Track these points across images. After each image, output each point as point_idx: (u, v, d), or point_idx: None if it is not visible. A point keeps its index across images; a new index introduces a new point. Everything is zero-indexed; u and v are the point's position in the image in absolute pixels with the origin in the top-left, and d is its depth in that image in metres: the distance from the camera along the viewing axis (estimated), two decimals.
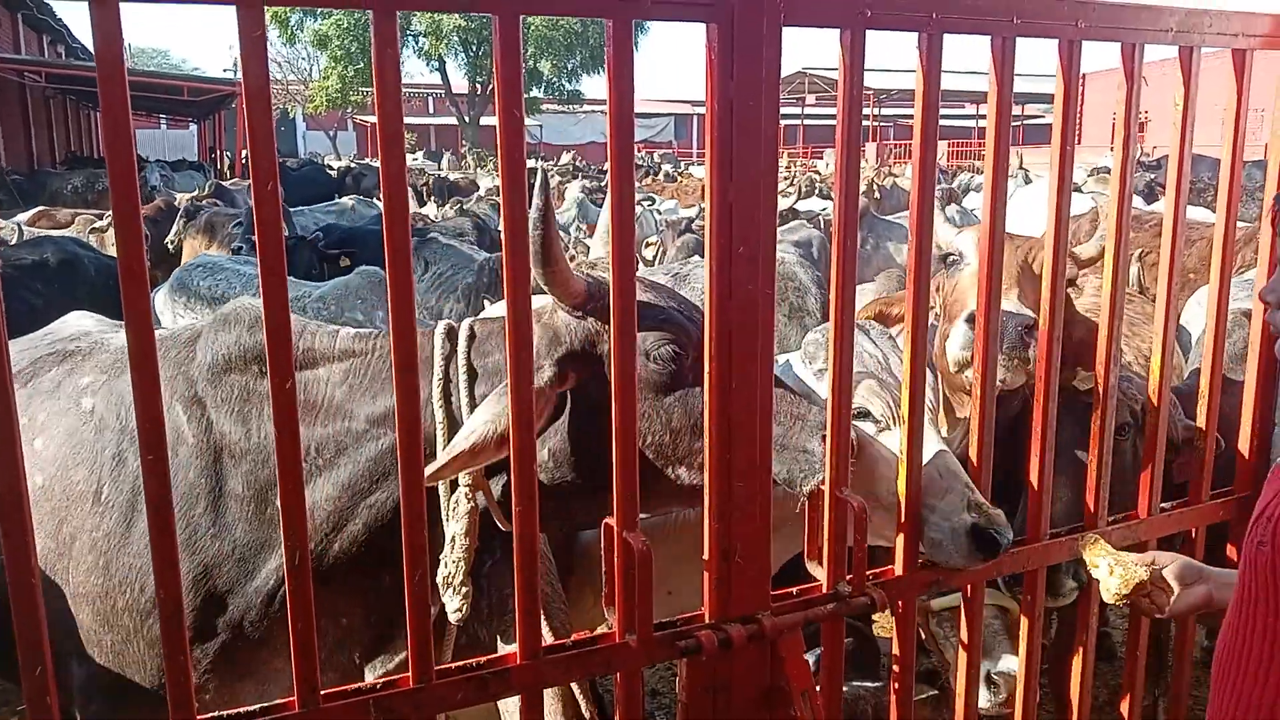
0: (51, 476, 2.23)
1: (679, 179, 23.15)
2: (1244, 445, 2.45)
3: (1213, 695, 1.45)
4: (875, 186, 15.07)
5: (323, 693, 1.57)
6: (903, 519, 1.94)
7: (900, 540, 1.95)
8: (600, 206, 11.91)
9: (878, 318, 2.74)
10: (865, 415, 2.20)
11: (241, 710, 1.54)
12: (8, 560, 1.36)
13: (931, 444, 2.03)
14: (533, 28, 31.00)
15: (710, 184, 1.69)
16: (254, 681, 2.23)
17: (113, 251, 7.03)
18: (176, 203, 12.03)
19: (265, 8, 1.34)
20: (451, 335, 1.95)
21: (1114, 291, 2.11)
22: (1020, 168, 16.26)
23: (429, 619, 1.65)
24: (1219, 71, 2.29)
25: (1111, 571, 1.73)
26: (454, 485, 1.86)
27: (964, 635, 2.07)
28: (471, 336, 1.97)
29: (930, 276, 2.01)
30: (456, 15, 30.82)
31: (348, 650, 2.33)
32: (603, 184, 16.45)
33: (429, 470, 1.70)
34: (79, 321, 2.97)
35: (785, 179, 14.26)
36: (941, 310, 2.82)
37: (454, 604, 1.89)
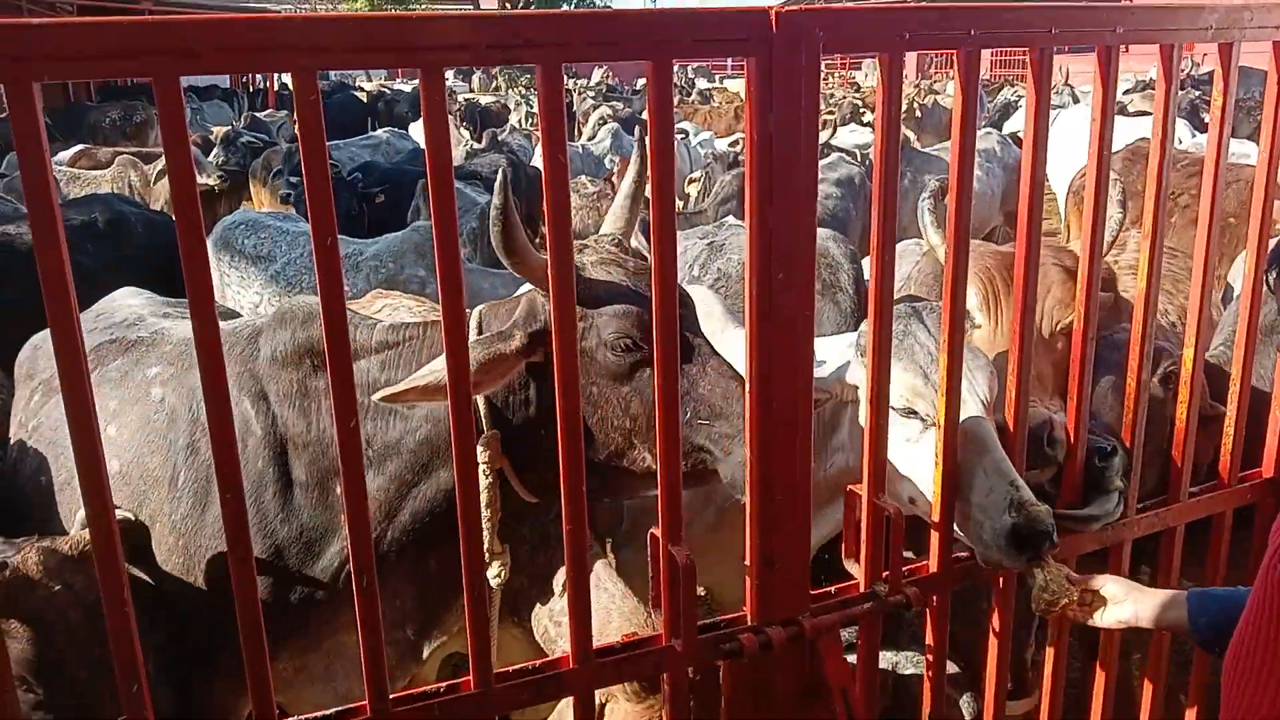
0: (128, 462, 2.40)
1: (712, 96, 22.74)
2: (1273, 425, 2.49)
3: (1224, 704, 1.54)
4: (916, 106, 14.77)
5: (391, 697, 1.70)
6: (936, 516, 2.02)
7: (935, 537, 2.03)
8: (632, 136, 11.81)
9: None
10: (911, 414, 2.18)
11: (317, 715, 1.68)
12: (93, 535, 1.47)
13: (979, 438, 2.05)
14: None
15: (750, 210, 1.73)
16: (320, 655, 2.42)
17: (155, 190, 7.09)
18: (212, 136, 12.14)
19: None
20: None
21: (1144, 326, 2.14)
22: (1065, 83, 15.79)
23: (488, 627, 1.77)
24: None
25: (1045, 586, 1.98)
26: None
27: (995, 624, 2.16)
28: (479, 327, 2.14)
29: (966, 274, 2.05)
30: None
31: (403, 628, 2.51)
32: (637, 111, 16.25)
33: (380, 394, 1.94)
34: (129, 301, 3.11)
35: (826, 101, 13.97)
36: None
37: (492, 571, 2.10)
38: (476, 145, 11.17)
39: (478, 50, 1.52)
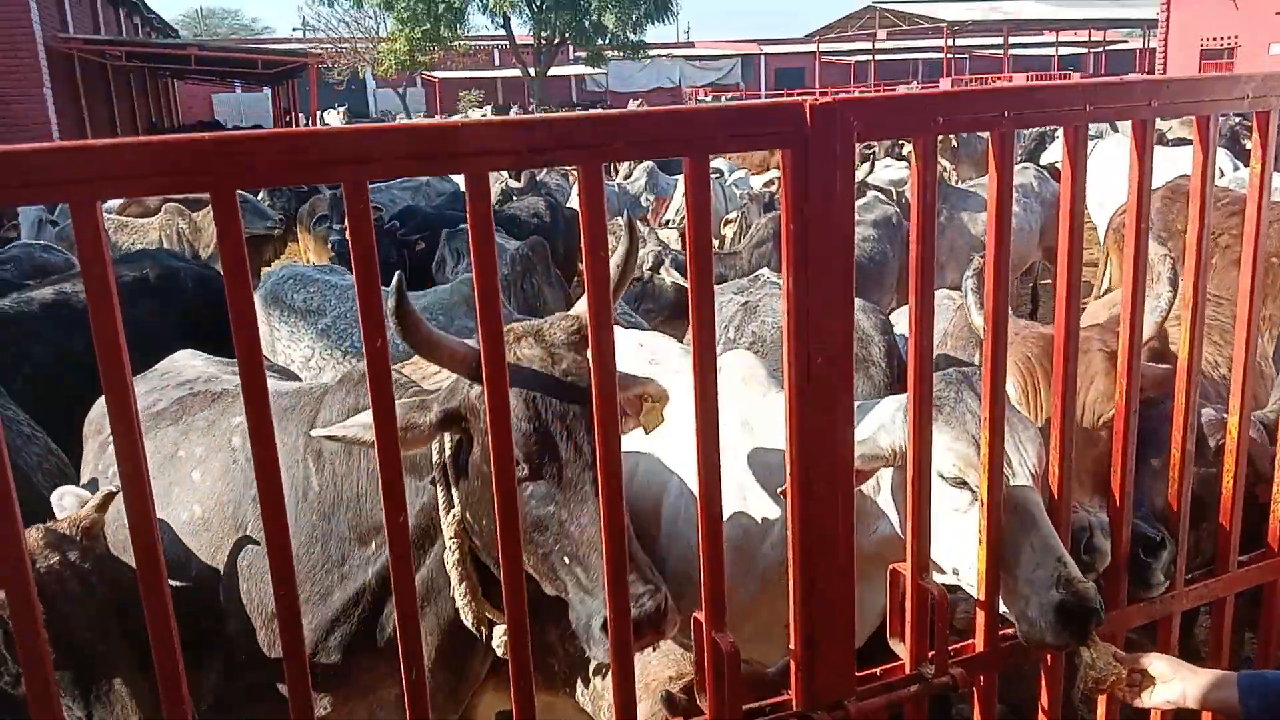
0: (209, 509, 2.53)
1: None
2: None
3: None
4: (951, 136, 14.73)
5: None
6: (982, 595, 2.01)
7: (980, 616, 2.02)
8: (670, 175, 11.90)
9: None
10: (962, 485, 2.14)
11: None
12: (141, 579, 1.51)
13: (1028, 511, 2.04)
14: None
15: (787, 295, 1.76)
16: (362, 704, 2.49)
17: (203, 237, 7.24)
18: None
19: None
20: None
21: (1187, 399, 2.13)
22: None
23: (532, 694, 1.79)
24: None
25: (1092, 664, 1.93)
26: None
27: (1044, 702, 2.14)
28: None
29: (1006, 348, 2.04)
30: None
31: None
32: None
33: (316, 432, 2.04)
34: (193, 362, 3.24)
35: None
36: None
37: (496, 637, 2.12)
38: (514, 184, 11.28)
39: (520, 154, 1.56)
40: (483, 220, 1.54)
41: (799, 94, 47.66)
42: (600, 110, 1.63)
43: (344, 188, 1.47)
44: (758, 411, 2.74)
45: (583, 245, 1.61)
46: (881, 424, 2.21)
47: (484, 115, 37.18)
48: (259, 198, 11.02)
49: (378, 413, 1.56)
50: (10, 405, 3.48)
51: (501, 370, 1.61)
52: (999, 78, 39.81)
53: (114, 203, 11.22)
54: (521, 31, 37.23)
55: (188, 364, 3.20)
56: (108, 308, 1.36)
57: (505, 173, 13.62)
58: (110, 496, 2.25)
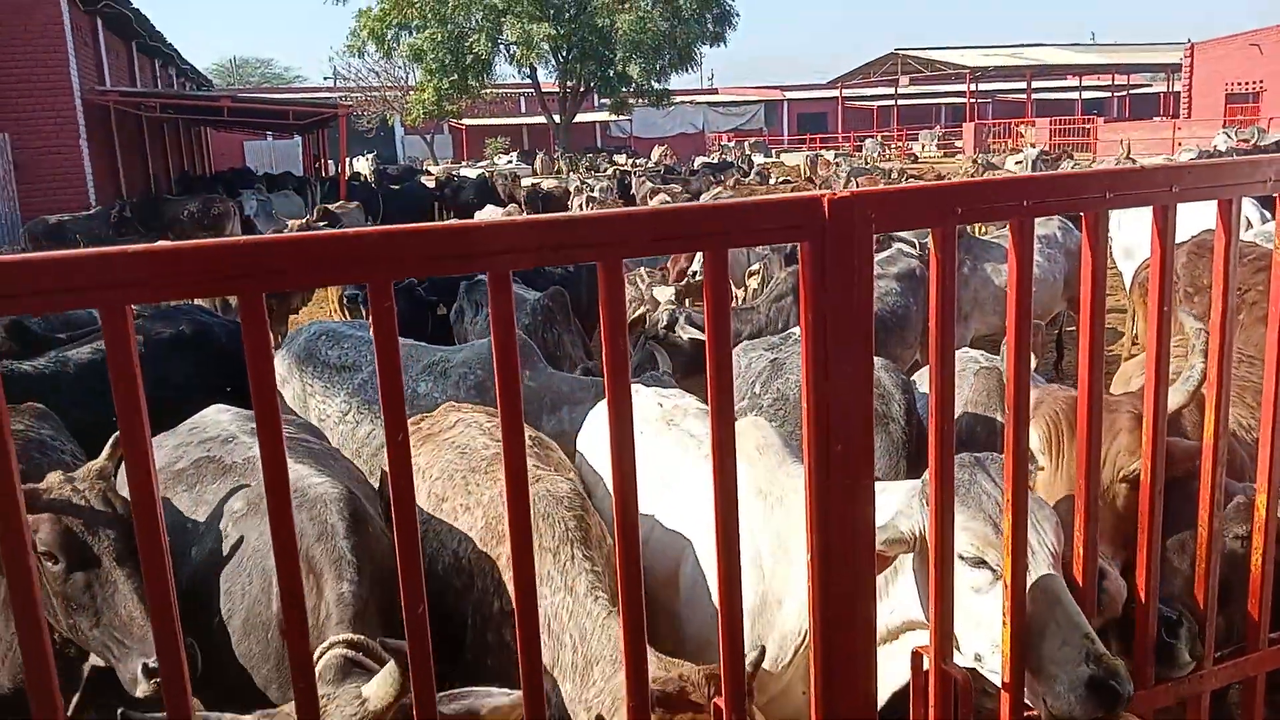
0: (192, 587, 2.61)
1: (769, 173, 22.95)
2: None
3: None
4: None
5: None
6: (1008, 676, 1.99)
7: (1005, 698, 2.00)
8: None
9: None
10: (981, 564, 2.13)
11: None
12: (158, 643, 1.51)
13: (1051, 590, 2.02)
14: (621, 33, 31.04)
15: (806, 386, 1.76)
16: None
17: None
18: (286, 231, 12.59)
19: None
20: None
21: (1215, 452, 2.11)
22: (1128, 158, 15.68)
23: None
24: None
25: None
26: None
27: None
28: None
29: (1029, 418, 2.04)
30: (546, 25, 31.04)
31: None
32: (694, 193, 16.50)
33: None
34: (219, 418, 3.35)
35: (886, 177, 14.03)
36: None
37: None
38: None
39: (541, 252, 1.58)
40: (505, 318, 1.57)
41: (820, 138, 48.00)
42: (617, 209, 1.69)
43: (369, 288, 1.49)
44: (773, 481, 2.76)
45: (602, 336, 1.63)
46: (900, 509, 2.21)
47: (510, 160, 37.76)
48: None
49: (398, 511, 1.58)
50: (55, 433, 3.63)
51: (520, 478, 1.63)
52: (1022, 121, 39.92)
53: None
54: (547, 80, 37.78)
55: (214, 420, 3.33)
56: (136, 413, 1.39)
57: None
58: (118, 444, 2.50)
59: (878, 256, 7.46)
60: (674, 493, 2.95)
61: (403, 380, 1.59)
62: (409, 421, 3.38)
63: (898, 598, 2.37)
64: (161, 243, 1.44)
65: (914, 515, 2.22)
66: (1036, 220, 6.14)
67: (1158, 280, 1.98)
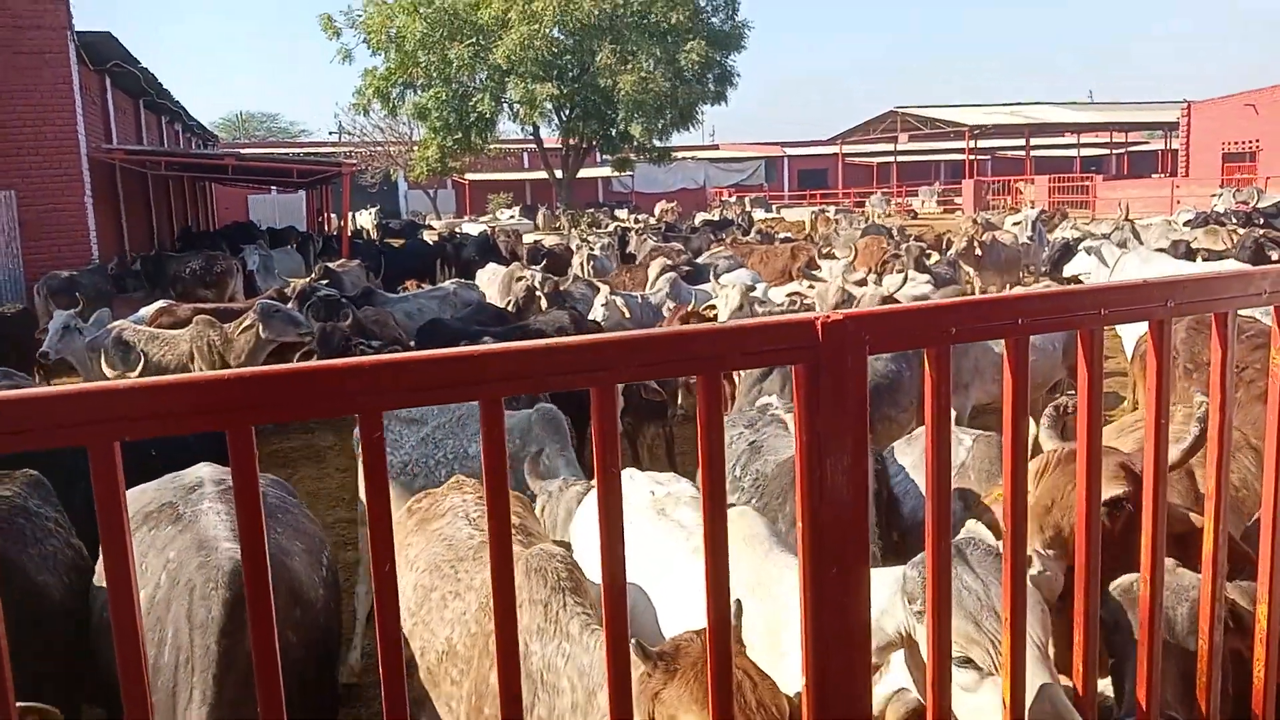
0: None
1: (773, 232, 23.03)
2: None
3: None
4: (976, 244, 14.87)
5: None
6: None
7: None
8: (689, 284, 12.03)
9: None
10: (966, 663, 2.16)
11: None
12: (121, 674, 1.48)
13: (1042, 687, 2.00)
14: (623, 93, 31.46)
15: (801, 508, 1.74)
16: None
17: (235, 347, 7.45)
18: (289, 290, 12.65)
19: None
20: None
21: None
22: (1126, 219, 15.77)
23: None
24: None
25: None
26: None
27: None
28: None
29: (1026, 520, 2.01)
30: (549, 84, 31.47)
31: None
32: (694, 252, 16.59)
33: None
34: (198, 472, 3.53)
35: (889, 237, 14.10)
36: None
37: None
38: (539, 291, 11.44)
39: (537, 379, 1.57)
40: (497, 441, 1.55)
41: (821, 194, 48.41)
42: (614, 334, 1.67)
43: (360, 419, 1.48)
44: (760, 572, 2.76)
45: (595, 464, 1.61)
46: (883, 608, 2.19)
47: (513, 215, 38.04)
48: (289, 306, 11.26)
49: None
50: (42, 501, 3.77)
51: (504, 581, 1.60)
52: (1021, 178, 40.30)
53: (146, 311, 11.49)
54: (550, 136, 38.20)
55: (194, 471, 3.53)
56: (122, 550, 1.37)
57: (532, 274, 13.79)
58: None
59: None
60: (664, 586, 2.93)
61: (391, 508, 1.57)
62: (416, 498, 3.39)
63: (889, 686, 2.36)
64: (148, 378, 1.43)
65: (898, 614, 2.23)
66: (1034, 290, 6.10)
67: (1155, 392, 1.96)
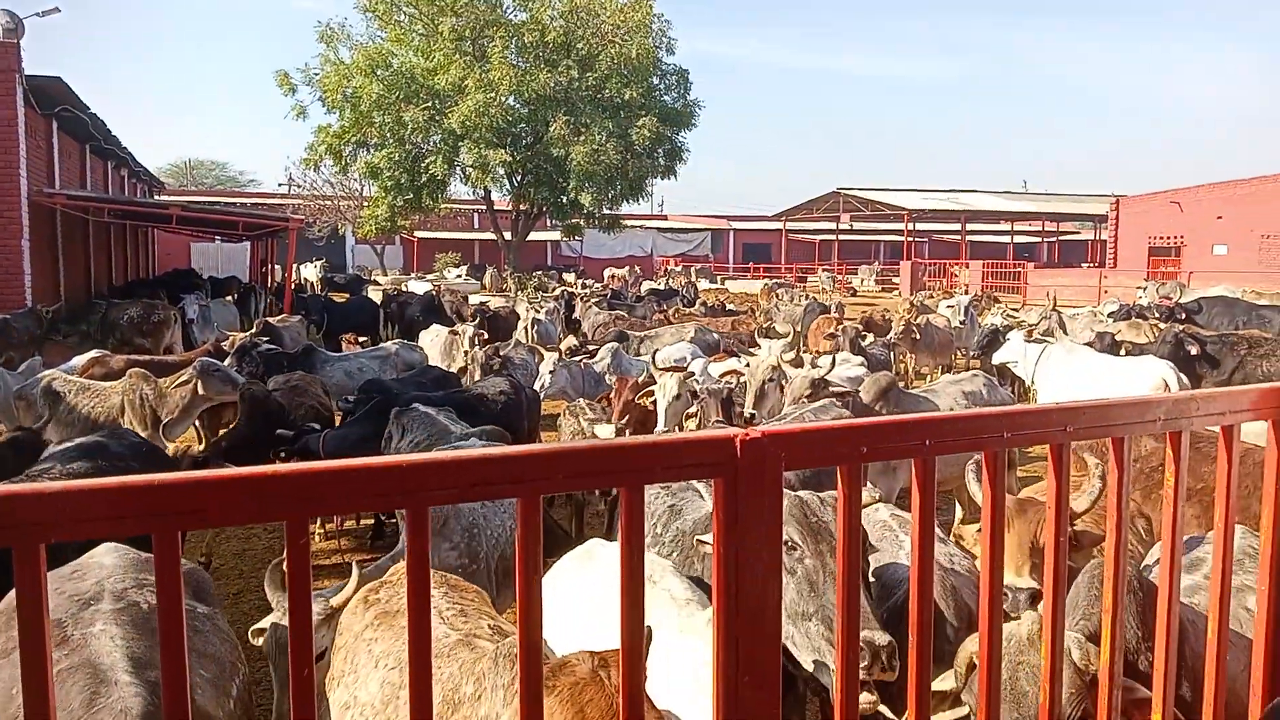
0: None
1: (720, 302, 23.32)
2: None
3: None
4: (913, 328, 15.26)
5: None
6: None
7: None
8: (631, 355, 12.14)
9: None
10: None
11: None
12: None
13: None
14: (575, 163, 31.90)
15: (717, 619, 1.81)
16: None
17: (169, 403, 7.35)
18: (227, 344, 12.50)
19: None
20: None
21: None
22: (1054, 310, 16.29)
23: None
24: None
25: None
26: None
27: None
28: None
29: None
30: (502, 151, 31.81)
31: None
32: (638, 319, 16.74)
33: None
34: (104, 560, 3.25)
35: (833, 327, 14.39)
36: None
37: None
38: (480, 355, 11.45)
39: (464, 488, 1.63)
40: (420, 553, 1.60)
41: (765, 268, 49.28)
42: (540, 446, 1.73)
43: (286, 528, 1.52)
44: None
45: (516, 572, 1.66)
46: None
47: (460, 275, 38.07)
48: (227, 362, 11.13)
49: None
50: None
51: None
52: (956, 262, 41.45)
53: (78, 360, 11.26)
54: (501, 199, 38.48)
55: (99, 563, 3.23)
56: (40, 653, 1.38)
57: (474, 336, 13.81)
58: None
59: (810, 407, 7.64)
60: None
61: (312, 613, 1.60)
62: (372, 587, 3.30)
63: None
64: (75, 481, 1.45)
65: None
66: (962, 378, 6.34)
67: (1054, 516, 2.08)
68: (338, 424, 8.70)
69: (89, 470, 5.19)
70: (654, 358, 10.86)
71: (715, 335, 14.32)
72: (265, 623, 3.38)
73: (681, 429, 8.72)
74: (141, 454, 5.86)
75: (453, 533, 4.27)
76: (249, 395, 8.32)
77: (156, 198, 34.38)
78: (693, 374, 9.55)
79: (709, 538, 2.79)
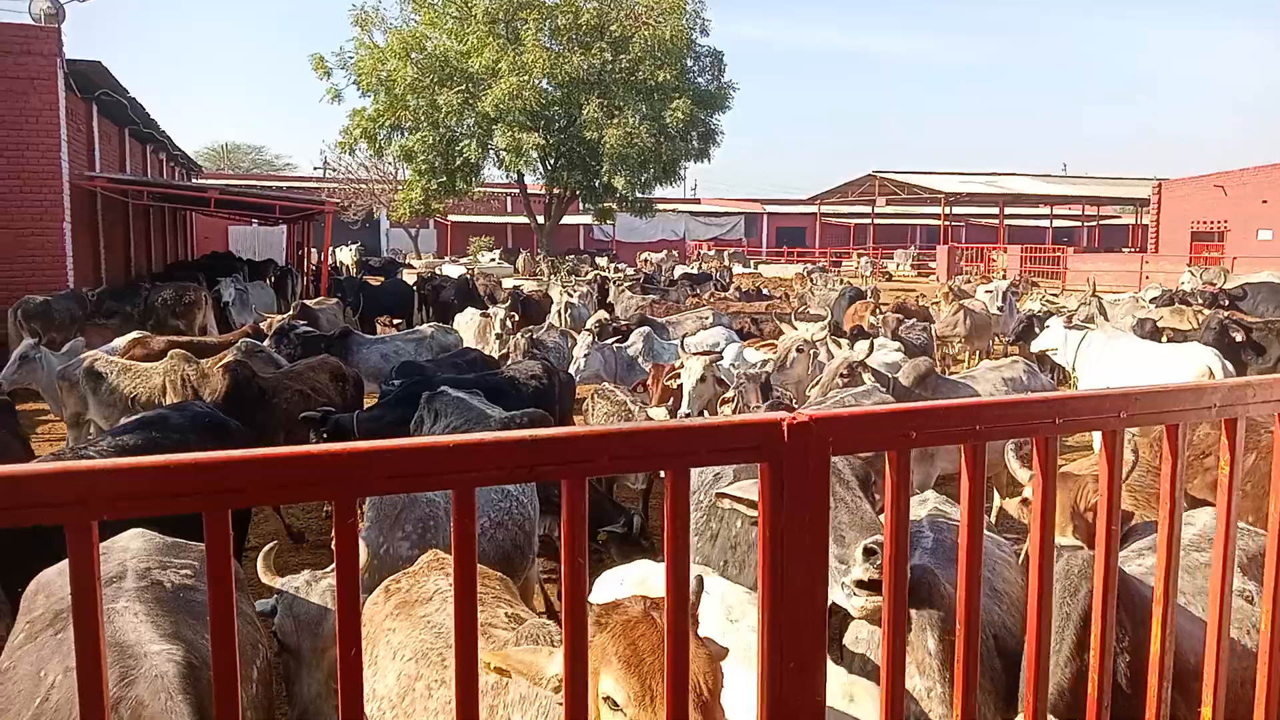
0: None
1: (754, 287, 23.23)
2: None
3: None
4: (964, 314, 15.12)
5: None
6: None
7: None
8: (665, 339, 12.12)
9: None
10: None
11: None
12: None
13: None
14: (608, 146, 31.84)
15: (762, 604, 1.79)
16: None
17: (211, 383, 7.53)
18: (265, 326, 12.63)
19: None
20: None
21: None
22: (1094, 295, 16.05)
23: None
24: None
25: None
26: None
27: None
28: None
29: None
30: (536, 134, 31.82)
31: None
32: (672, 304, 16.70)
33: None
34: (130, 544, 3.29)
35: (871, 313, 14.29)
36: None
37: None
38: (523, 342, 11.50)
39: (510, 470, 1.61)
40: (467, 534, 1.59)
41: (799, 252, 49.00)
42: (589, 428, 1.70)
43: (334, 505, 1.52)
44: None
45: (562, 558, 1.65)
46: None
47: (493, 258, 38.18)
48: (265, 344, 11.27)
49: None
50: None
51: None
52: (993, 246, 40.95)
53: (119, 341, 11.43)
54: (534, 183, 38.51)
55: (125, 545, 3.27)
56: (93, 629, 1.39)
57: (507, 320, 13.84)
58: None
59: (852, 391, 7.57)
60: None
61: (360, 590, 1.60)
62: (394, 578, 3.29)
63: None
64: (128, 458, 1.46)
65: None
66: (1002, 364, 6.28)
67: (1106, 507, 2.03)
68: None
69: (141, 444, 5.25)
70: (683, 342, 10.80)
71: (725, 319, 14.21)
72: (267, 603, 3.18)
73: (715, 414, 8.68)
74: (203, 425, 5.92)
75: (405, 522, 4.22)
76: (232, 374, 8.40)
77: (194, 181, 34.77)
78: (721, 358, 9.49)
79: (733, 489, 2.75)
